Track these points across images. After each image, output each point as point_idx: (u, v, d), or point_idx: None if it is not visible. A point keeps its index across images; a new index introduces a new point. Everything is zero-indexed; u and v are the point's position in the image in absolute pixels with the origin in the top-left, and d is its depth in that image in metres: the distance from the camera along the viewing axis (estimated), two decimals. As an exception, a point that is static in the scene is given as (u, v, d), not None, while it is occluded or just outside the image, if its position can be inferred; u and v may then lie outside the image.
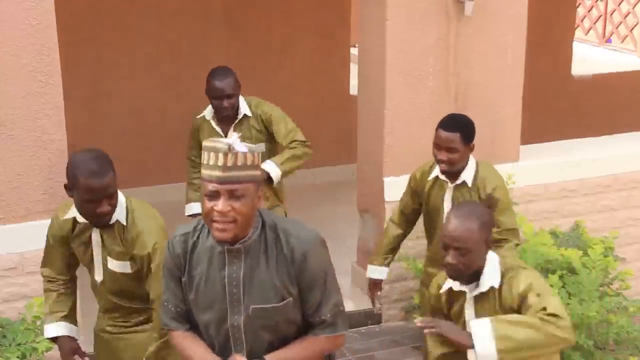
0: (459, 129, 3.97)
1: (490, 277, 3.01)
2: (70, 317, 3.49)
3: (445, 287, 3.16)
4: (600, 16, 12.71)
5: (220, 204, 2.54)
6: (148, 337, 3.30)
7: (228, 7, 7.04)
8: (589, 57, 11.13)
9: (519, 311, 2.96)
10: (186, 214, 4.85)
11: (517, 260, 3.21)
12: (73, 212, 3.27)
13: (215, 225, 2.57)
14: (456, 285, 3.09)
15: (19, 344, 3.79)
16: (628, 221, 5.53)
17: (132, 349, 3.40)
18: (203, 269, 2.68)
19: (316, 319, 2.71)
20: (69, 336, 3.45)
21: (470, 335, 2.93)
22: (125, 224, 3.22)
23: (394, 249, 4.44)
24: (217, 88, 4.42)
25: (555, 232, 5.11)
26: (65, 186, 3.17)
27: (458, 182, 4.10)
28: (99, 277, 3.33)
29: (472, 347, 2.90)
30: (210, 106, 4.61)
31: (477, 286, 3.05)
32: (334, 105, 7.36)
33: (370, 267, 4.43)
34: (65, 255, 3.41)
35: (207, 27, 6.99)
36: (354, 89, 6.77)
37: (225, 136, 4.52)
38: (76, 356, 3.46)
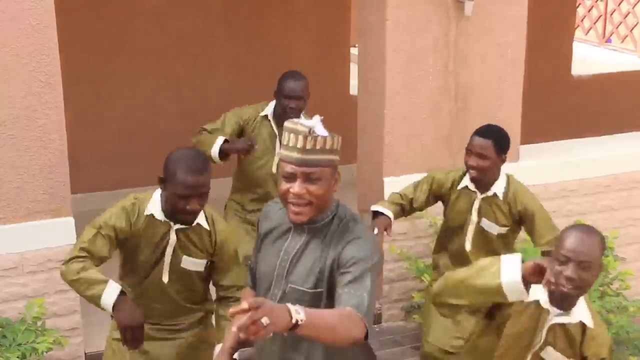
0: (492, 136, 3.97)
1: (582, 310, 2.98)
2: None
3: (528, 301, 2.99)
4: (600, 16, 12.71)
5: (296, 187, 2.57)
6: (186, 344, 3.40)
7: (228, 7, 7.04)
8: (589, 57, 11.13)
9: None
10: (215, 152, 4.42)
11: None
12: (152, 209, 3.24)
13: (291, 207, 2.61)
14: (549, 307, 2.96)
15: (19, 344, 3.80)
16: (628, 221, 5.53)
17: (170, 353, 3.40)
18: (273, 237, 2.76)
19: (341, 294, 2.54)
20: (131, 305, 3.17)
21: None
22: (207, 227, 3.28)
23: (396, 205, 4.28)
24: (290, 87, 4.44)
25: (555, 232, 5.11)
26: (160, 179, 3.19)
27: (489, 193, 4.07)
28: (165, 277, 3.30)
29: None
30: (271, 105, 4.58)
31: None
32: (334, 105, 7.36)
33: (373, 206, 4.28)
34: (111, 248, 3.23)
35: (207, 27, 6.99)
36: (354, 89, 6.77)
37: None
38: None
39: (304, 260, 2.67)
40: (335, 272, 2.60)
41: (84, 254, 3.15)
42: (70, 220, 4.14)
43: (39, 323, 3.99)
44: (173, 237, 3.25)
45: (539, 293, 2.94)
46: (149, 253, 3.28)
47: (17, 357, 3.72)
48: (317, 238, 2.66)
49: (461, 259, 4.10)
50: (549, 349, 2.98)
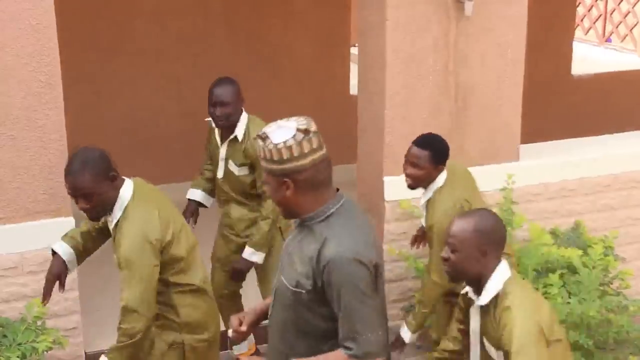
0: (429, 147, 4.07)
1: (488, 292, 3.00)
2: (80, 253, 3.70)
3: (464, 290, 3.19)
4: (600, 16, 12.70)
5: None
6: None
7: (228, 7, 7.04)
8: (589, 57, 11.13)
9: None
10: (188, 196, 4.84)
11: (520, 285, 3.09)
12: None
13: None
14: (469, 292, 3.10)
15: (19, 344, 3.80)
16: (628, 220, 5.53)
17: None
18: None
19: (340, 336, 2.60)
20: (64, 260, 3.66)
21: None
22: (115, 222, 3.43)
23: None
24: (213, 94, 4.38)
25: (555, 232, 5.11)
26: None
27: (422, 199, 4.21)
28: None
29: None
30: None
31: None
32: (334, 105, 7.36)
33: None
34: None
35: (207, 27, 6.99)
36: (354, 89, 6.77)
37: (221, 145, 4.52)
38: (51, 275, 3.67)
39: (294, 257, 2.67)
40: (322, 284, 2.58)
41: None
42: (71, 220, 4.14)
43: (39, 323, 3.99)
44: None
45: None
46: None
47: (18, 356, 3.72)
48: (309, 237, 2.64)
49: None
50: (486, 342, 3.05)
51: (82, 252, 3.72)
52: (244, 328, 2.88)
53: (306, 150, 2.58)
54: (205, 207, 4.76)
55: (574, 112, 8.39)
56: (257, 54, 7.16)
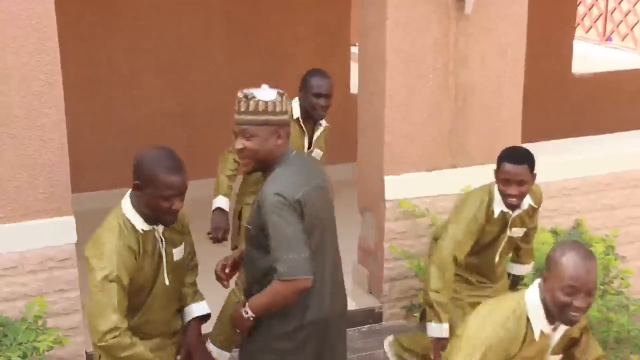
0: (526, 161, 3.89)
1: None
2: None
3: (539, 333, 2.95)
4: (601, 14, 12.70)
5: (236, 142, 3.11)
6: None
7: (228, 6, 7.04)
8: (590, 56, 11.13)
9: None
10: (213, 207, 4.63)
11: None
12: (137, 224, 3.13)
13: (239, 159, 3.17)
14: (549, 329, 2.95)
15: (20, 343, 3.80)
16: (628, 220, 5.53)
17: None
18: None
19: (273, 265, 3.06)
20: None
21: None
22: None
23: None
24: (320, 85, 4.42)
25: (556, 231, 5.11)
26: (135, 185, 3.09)
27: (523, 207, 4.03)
28: (167, 280, 3.26)
29: None
30: (294, 103, 4.50)
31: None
32: (335, 104, 7.32)
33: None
34: (126, 295, 3.10)
35: (207, 28, 6.99)
36: (354, 88, 6.77)
37: (310, 137, 4.56)
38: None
39: (251, 204, 3.19)
40: (260, 221, 3.06)
41: (121, 322, 3.01)
42: (71, 219, 4.14)
43: (40, 322, 3.99)
44: (159, 236, 3.22)
45: (540, 324, 2.93)
46: (150, 265, 3.19)
47: (18, 356, 3.73)
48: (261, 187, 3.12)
49: (485, 272, 4.18)
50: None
51: None
52: (227, 270, 3.36)
53: (287, 108, 3.13)
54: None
55: (574, 111, 8.39)
56: (257, 54, 7.16)
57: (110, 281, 3.01)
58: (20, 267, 4.12)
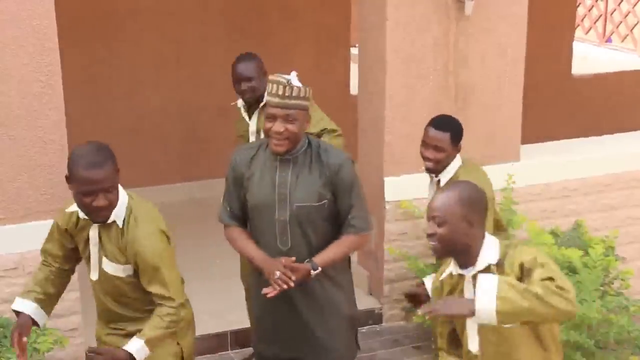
0: (449, 128, 4.02)
1: (488, 256, 2.94)
2: (44, 301, 3.31)
3: (445, 274, 3.08)
4: (601, 16, 12.70)
5: (276, 125, 3.26)
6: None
7: (228, 7, 7.04)
8: (590, 57, 11.13)
9: (521, 281, 2.85)
10: None
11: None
12: (75, 207, 3.16)
13: (273, 141, 3.30)
14: (455, 270, 3.02)
15: (19, 344, 3.79)
16: (628, 220, 5.53)
17: None
18: (259, 174, 3.38)
19: (346, 221, 3.39)
20: (30, 316, 3.26)
21: (470, 301, 2.81)
22: (121, 225, 3.12)
23: None
24: (236, 71, 4.41)
25: (555, 232, 5.11)
26: (66, 178, 3.08)
27: (436, 179, 4.12)
28: (94, 275, 3.23)
29: (474, 313, 2.78)
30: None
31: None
32: (335, 105, 7.35)
33: None
34: (64, 247, 3.32)
35: (207, 28, 6.98)
36: (354, 89, 6.77)
37: (250, 117, 4.51)
38: (15, 333, 3.21)
39: (302, 183, 3.34)
40: (334, 188, 3.34)
41: (42, 255, 3.37)
42: (71, 220, 4.14)
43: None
44: (93, 234, 3.16)
45: (451, 267, 3.04)
46: (82, 250, 3.27)
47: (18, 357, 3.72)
48: (304, 164, 3.36)
49: None
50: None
51: (47, 300, 3.33)
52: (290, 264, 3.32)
53: None
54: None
55: (574, 112, 8.39)
56: (257, 54, 7.15)
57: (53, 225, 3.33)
58: (20, 268, 4.12)
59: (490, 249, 2.95)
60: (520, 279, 2.87)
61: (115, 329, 3.31)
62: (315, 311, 3.45)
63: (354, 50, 6.72)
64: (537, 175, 5.25)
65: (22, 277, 4.12)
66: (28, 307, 3.28)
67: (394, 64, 4.77)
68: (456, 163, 4.09)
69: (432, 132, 4.03)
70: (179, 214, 6.35)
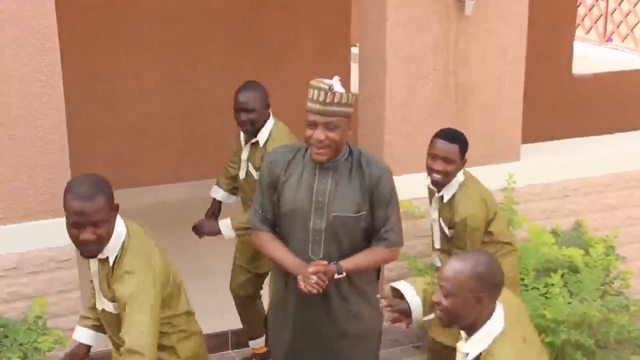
0: (457, 141, 4.01)
1: (474, 346, 2.79)
2: (98, 327, 3.31)
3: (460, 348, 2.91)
4: (601, 15, 12.70)
5: (317, 133, 3.18)
6: None
7: (228, 6, 7.04)
8: (590, 56, 11.13)
9: None
10: (211, 194, 4.73)
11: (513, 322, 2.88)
12: None
13: (313, 149, 3.21)
14: (462, 347, 2.88)
15: (20, 344, 3.80)
16: (628, 220, 5.53)
17: None
18: (296, 179, 3.29)
19: (379, 234, 3.33)
20: (86, 346, 3.31)
21: None
22: (112, 262, 2.98)
23: None
24: (238, 100, 4.27)
25: (556, 232, 5.11)
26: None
27: (439, 194, 4.11)
28: (99, 305, 3.12)
29: None
30: None
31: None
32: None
33: None
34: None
35: (207, 27, 6.99)
36: (354, 89, 6.77)
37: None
38: (67, 358, 3.26)
39: (341, 193, 3.26)
40: (372, 199, 3.28)
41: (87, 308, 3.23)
42: (71, 220, 4.14)
43: (40, 323, 3.99)
44: (93, 266, 3.04)
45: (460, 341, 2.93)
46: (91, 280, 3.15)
47: (19, 357, 3.73)
48: (344, 173, 3.27)
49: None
50: None
51: (100, 326, 3.30)
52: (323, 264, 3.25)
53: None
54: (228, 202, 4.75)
55: (574, 112, 8.39)
56: (257, 54, 7.16)
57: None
58: (20, 268, 4.12)
59: (486, 336, 2.78)
60: None
61: None
62: (340, 328, 3.42)
63: (355, 50, 6.73)
64: (538, 174, 5.24)
65: (22, 277, 4.12)
66: (84, 335, 3.33)
67: (394, 64, 4.77)
68: (459, 178, 4.08)
69: (442, 143, 4.00)
70: (178, 213, 6.35)
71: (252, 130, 4.29)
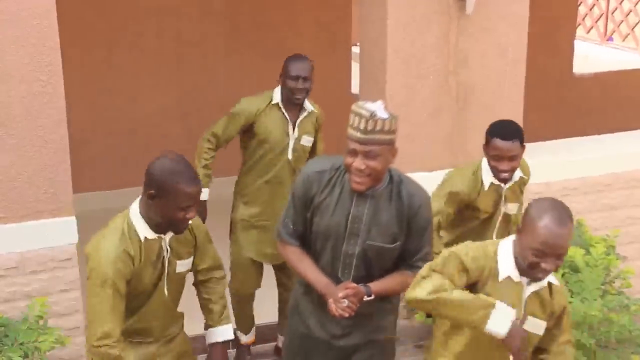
0: (517, 136, 4.00)
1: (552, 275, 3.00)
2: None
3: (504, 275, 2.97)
4: (602, 14, 12.70)
5: (357, 162, 3.06)
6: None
7: (229, 6, 7.05)
8: (591, 56, 11.13)
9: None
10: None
11: None
12: (143, 232, 3.09)
13: (354, 178, 3.10)
14: (517, 277, 2.97)
15: (21, 344, 3.81)
16: (629, 220, 5.53)
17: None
18: (332, 201, 3.18)
19: (410, 260, 3.24)
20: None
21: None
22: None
23: None
24: (296, 68, 4.42)
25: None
26: (150, 195, 3.03)
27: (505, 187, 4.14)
28: (166, 289, 3.22)
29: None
30: (277, 91, 4.56)
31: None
32: (335, 104, 7.36)
33: None
34: (123, 299, 3.09)
35: (208, 27, 6.99)
36: (355, 88, 6.77)
37: (294, 123, 4.54)
38: None
39: (378, 222, 3.17)
40: (409, 228, 3.19)
41: (113, 331, 3.02)
42: (72, 219, 4.14)
43: (41, 322, 4.00)
44: (165, 246, 3.16)
45: (508, 268, 2.96)
46: (151, 274, 3.15)
47: (20, 356, 3.73)
48: (382, 201, 3.17)
49: None
50: (530, 318, 3.02)
51: None
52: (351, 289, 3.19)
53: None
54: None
55: (575, 111, 8.39)
56: (258, 54, 7.16)
57: (107, 287, 2.99)
58: (21, 268, 4.13)
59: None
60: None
61: (164, 338, 3.33)
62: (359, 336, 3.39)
63: (355, 49, 6.73)
64: (538, 174, 5.23)
65: (22, 276, 4.13)
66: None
67: (394, 64, 4.76)
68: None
69: (503, 143, 3.96)
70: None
71: (302, 99, 4.50)
